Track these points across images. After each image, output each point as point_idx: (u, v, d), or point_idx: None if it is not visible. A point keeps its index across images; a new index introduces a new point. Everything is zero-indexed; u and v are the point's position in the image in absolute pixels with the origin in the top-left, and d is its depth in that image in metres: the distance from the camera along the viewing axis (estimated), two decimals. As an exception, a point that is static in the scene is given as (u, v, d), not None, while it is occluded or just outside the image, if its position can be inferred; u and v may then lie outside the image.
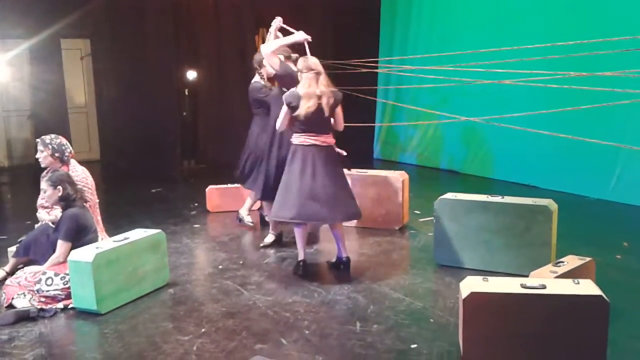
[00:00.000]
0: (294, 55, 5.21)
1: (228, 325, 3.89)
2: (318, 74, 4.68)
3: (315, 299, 4.31)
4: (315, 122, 4.66)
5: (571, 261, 3.97)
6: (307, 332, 3.76)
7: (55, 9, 9.62)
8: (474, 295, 3.21)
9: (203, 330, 3.83)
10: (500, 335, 3.21)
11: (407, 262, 5.24)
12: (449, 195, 4.96)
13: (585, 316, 3.13)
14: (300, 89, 4.65)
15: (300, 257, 4.84)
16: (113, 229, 5.40)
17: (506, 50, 7.16)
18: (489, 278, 3.40)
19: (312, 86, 4.63)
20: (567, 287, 3.24)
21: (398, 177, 6.05)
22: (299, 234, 4.82)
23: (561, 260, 3.99)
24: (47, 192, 4.42)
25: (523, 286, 3.24)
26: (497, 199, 4.75)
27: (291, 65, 5.18)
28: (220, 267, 5.07)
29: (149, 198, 7.97)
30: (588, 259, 4.05)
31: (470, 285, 3.30)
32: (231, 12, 10.63)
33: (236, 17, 10.65)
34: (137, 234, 4.52)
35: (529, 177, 8.04)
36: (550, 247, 4.52)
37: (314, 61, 4.71)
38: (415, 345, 3.55)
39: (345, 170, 5.07)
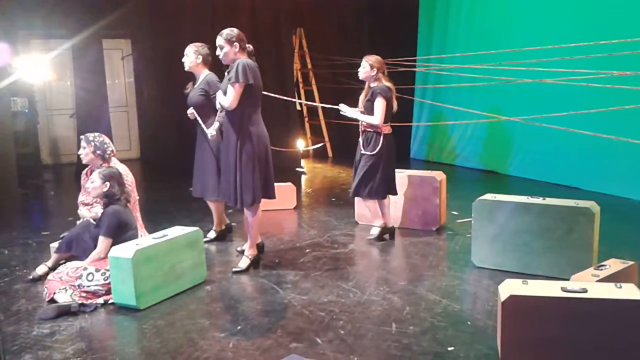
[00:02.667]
0: (249, 46, 4.98)
1: (264, 323, 3.91)
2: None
3: (351, 299, 4.29)
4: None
5: (613, 265, 3.87)
6: (342, 332, 3.75)
7: (97, 10, 9.84)
8: (513, 298, 3.15)
9: (239, 327, 3.85)
10: (539, 339, 3.15)
11: (444, 263, 5.18)
12: (488, 196, 4.88)
13: (628, 321, 3.05)
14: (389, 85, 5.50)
15: (390, 224, 5.80)
16: (152, 226, 5.49)
17: (547, 48, 7.04)
18: (529, 281, 3.33)
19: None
20: (609, 291, 3.15)
21: (435, 177, 5.99)
22: (387, 204, 5.74)
23: (603, 263, 3.89)
24: (94, 183, 4.51)
25: (564, 290, 3.17)
26: (538, 200, 4.65)
27: (244, 56, 4.90)
28: (256, 265, 5.10)
29: (188, 196, 8.03)
30: (631, 262, 3.94)
31: (510, 287, 3.25)
32: (269, 10, 10.68)
33: (274, 15, 10.69)
34: (175, 232, 4.57)
35: (571, 178, 7.87)
36: (592, 250, 4.41)
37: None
38: (452, 348, 3.50)
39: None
